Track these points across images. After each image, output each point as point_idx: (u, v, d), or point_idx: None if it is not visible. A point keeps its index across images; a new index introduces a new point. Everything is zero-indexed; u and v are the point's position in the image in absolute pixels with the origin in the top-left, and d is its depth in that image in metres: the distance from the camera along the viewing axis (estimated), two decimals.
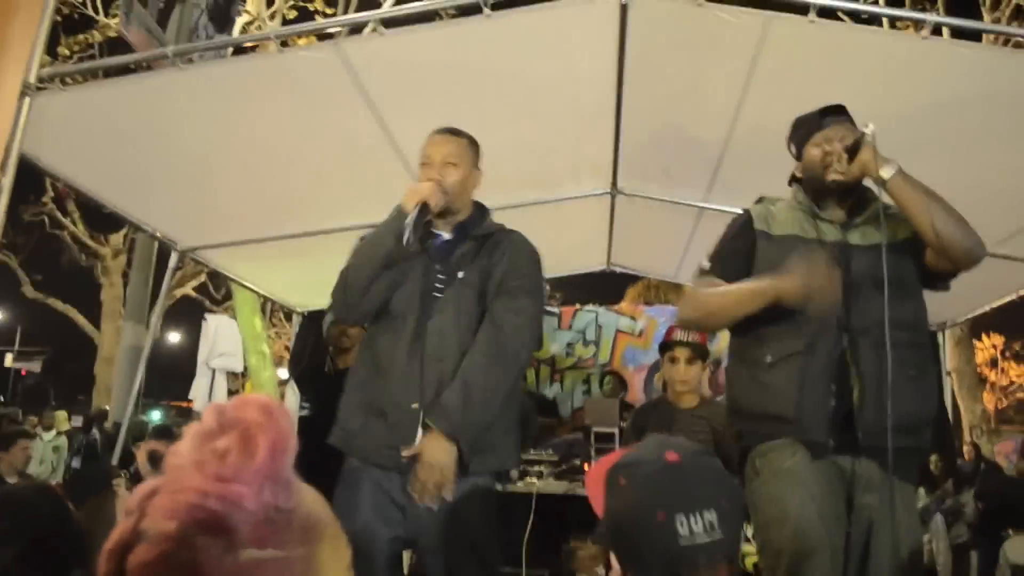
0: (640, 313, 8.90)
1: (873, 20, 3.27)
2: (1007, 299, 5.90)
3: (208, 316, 5.76)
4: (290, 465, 0.81)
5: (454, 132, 2.69)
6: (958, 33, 3.58)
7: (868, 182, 2.41)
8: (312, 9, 13.68)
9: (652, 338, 8.59)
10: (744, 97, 3.65)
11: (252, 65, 3.58)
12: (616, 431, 5.92)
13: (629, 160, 4.69)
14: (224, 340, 5.64)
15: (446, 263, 2.56)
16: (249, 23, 12.33)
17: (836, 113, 2.47)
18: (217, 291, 19.23)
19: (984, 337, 29.30)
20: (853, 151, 2.30)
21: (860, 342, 2.22)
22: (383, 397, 2.42)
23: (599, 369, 8.58)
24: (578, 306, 9.11)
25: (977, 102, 3.49)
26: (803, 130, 2.51)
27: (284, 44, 3.38)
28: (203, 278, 17.98)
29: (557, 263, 7.27)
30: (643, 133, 4.27)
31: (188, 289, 17.24)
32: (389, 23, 3.31)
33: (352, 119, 3.84)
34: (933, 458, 6.97)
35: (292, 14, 13.26)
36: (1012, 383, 30.29)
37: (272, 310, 15.96)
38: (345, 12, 13.32)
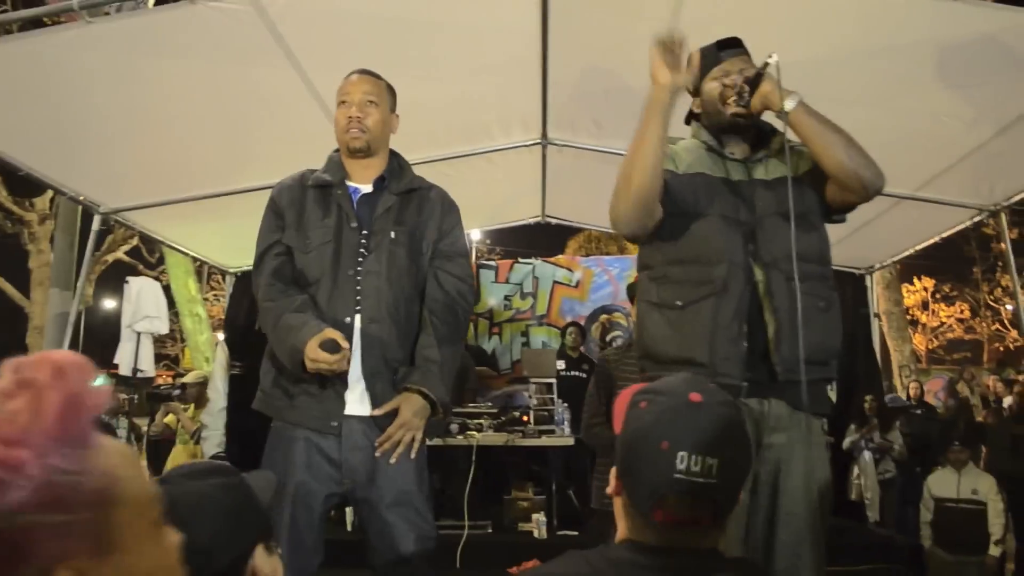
0: (576, 264, 8.93)
1: None
2: (931, 241, 6.07)
3: (130, 279, 5.62)
4: (87, 424, 0.78)
5: (373, 73, 2.64)
6: None
7: (769, 115, 2.38)
8: None
9: (588, 289, 8.66)
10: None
11: (163, 18, 3.44)
12: (554, 381, 5.99)
13: (558, 110, 4.67)
14: (147, 303, 5.51)
15: (369, 221, 2.50)
16: None
17: (734, 46, 2.44)
18: (151, 255, 18.78)
19: (916, 280, 30.12)
20: (754, 83, 2.26)
21: (772, 276, 2.20)
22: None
23: (537, 321, 8.62)
24: (515, 259, 9.12)
25: (901, 49, 3.55)
26: (702, 63, 2.43)
27: None
28: (135, 242, 17.54)
29: (491, 215, 7.27)
30: (571, 83, 4.25)
31: (120, 254, 16.77)
32: None
33: (273, 72, 3.74)
34: (868, 398, 7.16)
35: None
36: (942, 324, 31.21)
37: (210, 272, 15.68)
38: None
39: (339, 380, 2.35)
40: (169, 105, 4.00)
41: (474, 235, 20.70)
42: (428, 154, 4.68)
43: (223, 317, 7.28)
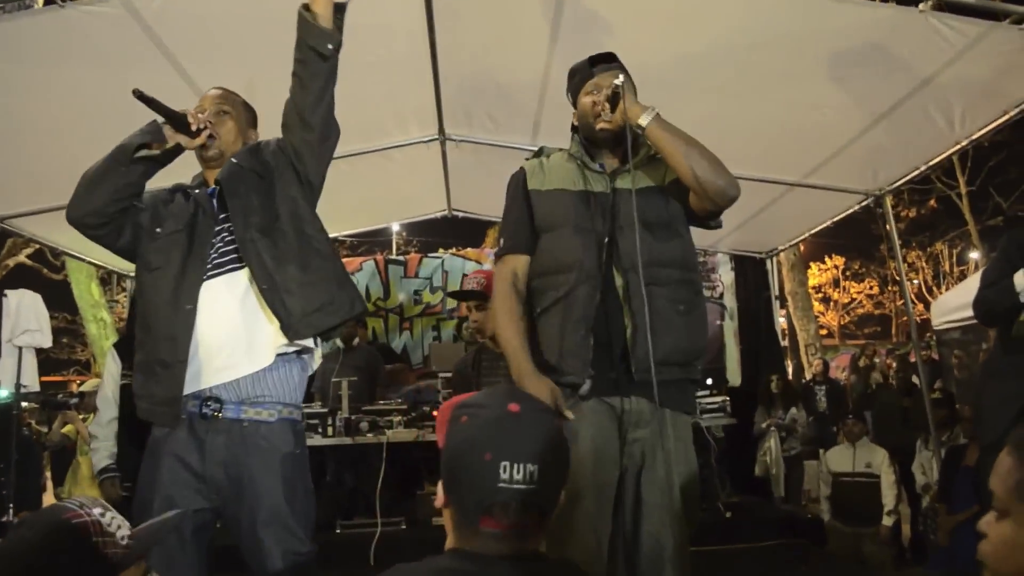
0: (486, 256, 8.94)
1: None
2: (824, 224, 6.29)
3: (8, 292, 5.39)
4: None
5: (229, 90, 2.64)
6: None
7: None
8: None
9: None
10: (554, 42, 3.69)
11: (33, 22, 3.33)
12: None
13: (452, 107, 4.68)
14: (27, 316, 5.29)
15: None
16: None
17: (606, 61, 2.52)
18: (56, 258, 18.18)
19: (827, 259, 31.05)
20: (614, 101, 2.35)
21: (630, 281, 2.29)
22: (156, 353, 2.31)
23: (448, 314, 8.63)
24: (424, 254, 9.11)
25: (778, 43, 3.66)
26: (576, 79, 2.55)
27: None
28: (38, 245, 16.92)
29: (398, 210, 7.26)
30: (462, 80, 4.27)
31: (22, 257, 16.18)
32: None
33: (155, 74, 3.64)
34: (774, 378, 7.39)
35: None
36: (853, 300, 32.23)
37: (119, 276, 15.20)
38: None
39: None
40: (52, 111, 3.91)
41: (393, 227, 20.71)
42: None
43: None
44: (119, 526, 1.45)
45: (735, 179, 2.31)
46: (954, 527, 4.71)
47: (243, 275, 2.34)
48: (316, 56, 2.30)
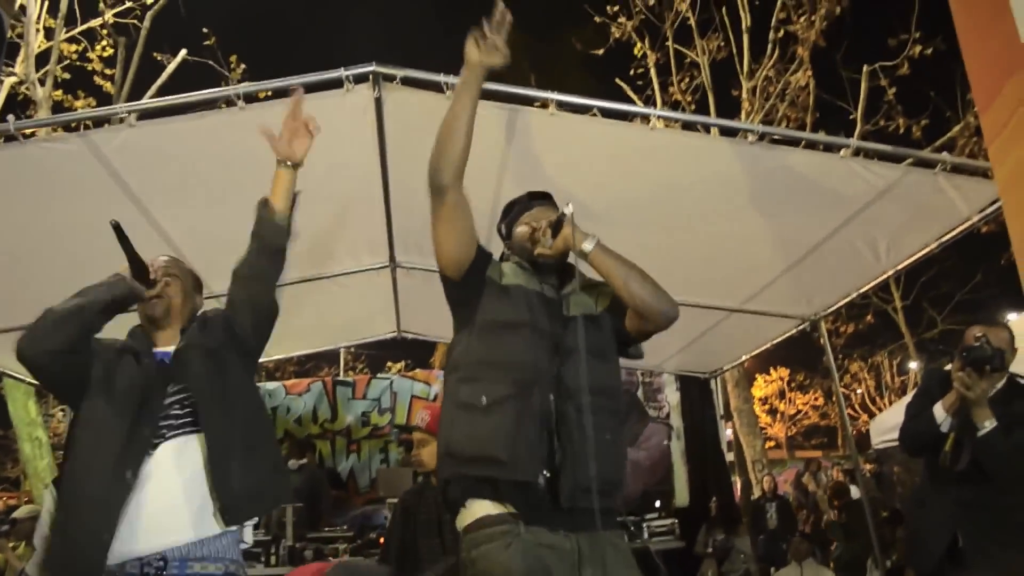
0: (434, 378, 8.97)
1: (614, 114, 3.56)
2: (765, 347, 6.49)
3: None
4: None
5: (175, 257, 2.71)
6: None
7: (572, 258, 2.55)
8: (90, 69, 12.94)
9: None
10: (501, 181, 3.86)
11: None
12: None
13: (403, 236, 4.81)
14: None
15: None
16: (19, 83, 11.63)
17: (542, 197, 2.67)
18: None
19: (772, 371, 31.50)
20: (556, 228, 2.44)
21: (565, 407, 2.30)
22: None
23: (396, 436, 8.56)
24: (374, 375, 9.10)
25: (711, 183, 3.89)
26: (514, 211, 2.67)
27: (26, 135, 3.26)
28: None
29: (347, 332, 7.29)
30: (413, 212, 4.39)
31: None
32: (142, 115, 3.28)
33: (112, 208, 3.69)
34: (713, 499, 7.43)
35: (66, 75, 12.52)
36: (799, 411, 32.55)
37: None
38: (124, 74, 12.83)
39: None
40: (5, 239, 3.93)
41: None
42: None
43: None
44: None
45: (675, 301, 2.41)
46: None
47: (193, 442, 2.33)
48: (274, 251, 2.46)
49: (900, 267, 4.58)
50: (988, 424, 3.11)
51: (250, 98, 3.32)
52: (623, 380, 2.62)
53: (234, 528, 2.37)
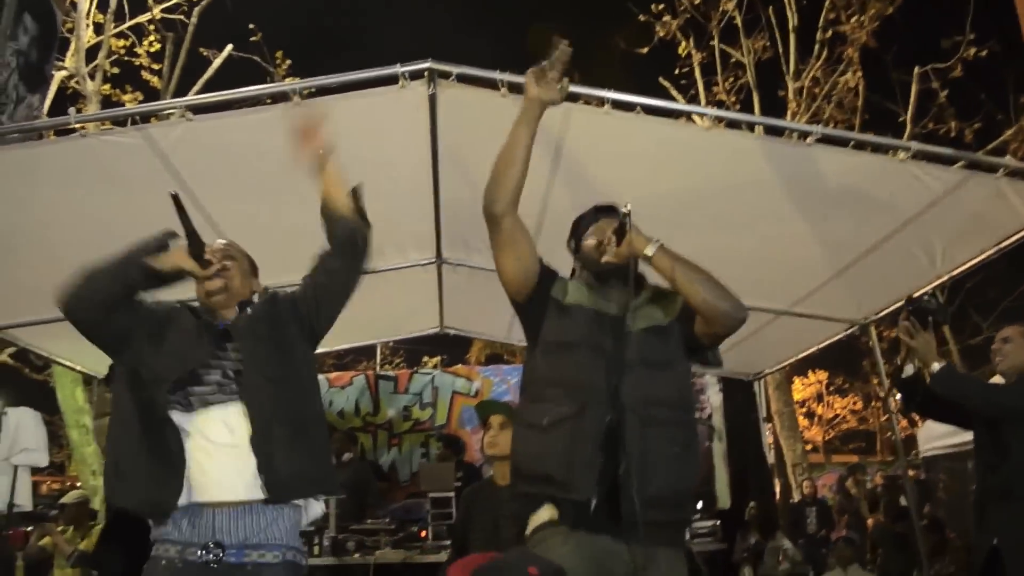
0: (476, 374, 9.02)
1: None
2: (812, 350, 6.41)
3: (8, 410, 5.37)
4: None
5: (232, 242, 2.72)
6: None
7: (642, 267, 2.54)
8: (137, 64, 13.14)
9: (488, 398, 8.71)
10: (552, 179, 3.85)
11: (53, 149, 3.48)
12: (452, 495, 5.96)
13: (451, 233, 4.82)
14: (26, 435, 5.26)
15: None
16: (68, 78, 11.84)
17: (608, 210, 2.65)
18: (38, 358, 18.00)
19: (810, 374, 31.10)
20: (621, 233, 2.44)
21: (628, 419, 2.31)
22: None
23: (437, 431, 8.61)
24: (415, 369, 9.17)
25: (763, 184, 3.84)
26: (581, 226, 2.68)
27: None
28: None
29: (391, 328, 7.33)
30: (462, 209, 4.39)
31: (4, 356, 16.03)
32: (196, 109, 3.32)
33: (167, 199, 3.76)
34: (751, 504, 7.37)
35: (114, 70, 12.72)
36: (837, 415, 32.11)
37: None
38: (172, 68, 13.01)
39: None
40: (59, 228, 4.00)
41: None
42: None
43: None
44: None
45: (742, 303, 2.40)
46: None
47: (240, 409, 2.33)
48: (343, 245, 2.51)
49: (955, 273, 4.47)
50: (937, 365, 3.35)
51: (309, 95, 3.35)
52: None
53: (292, 508, 2.38)
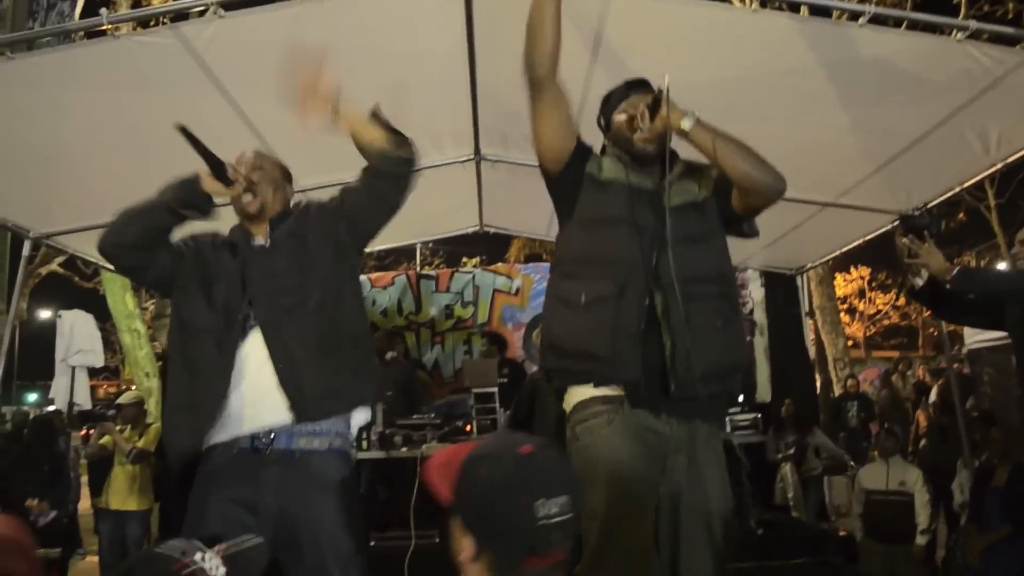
0: (516, 272, 9.04)
1: None
2: (854, 244, 6.30)
3: (63, 313, 5.53)
4: None
5: (260, 151, 2.71)
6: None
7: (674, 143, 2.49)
8: None
9: (528, 296, 8.77)
10: (592, 68, 3.75)
11: (86, 52, 3.45)
12: (495, 390, 6.07)
13: (489, 128, 4.75)
14: (81, 336, 5.43)
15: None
16: None
17: (640, 85, 2.55)
18: (86, 266, 18.40)
19: (852, 269, 30.74)
20: (654, 108, 2.36)
21: (669, 296, 2.29)
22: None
23: (479, 329, 8.70)
24: (455, 268, 9.22)
25: (811, 69, 3.69)
26: (611, 102, 2.59)
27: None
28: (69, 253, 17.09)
29: (430, 227, 7.34)
30: (499, 103, 4.33)
31: (54, 266, 16.40)
32: (228, 5, 3.25)
33: (202, 101, 3.75)
34: (787, 402, 7.37)
35: None
36: (879, 311, 31.84)
37: None
38: None
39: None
40: (98, 135, 4.00)
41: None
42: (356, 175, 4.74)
43: None
44: (218, 566, 1.50)
45: (781, 174, 2.36)
46: (984, 549, 4.68)
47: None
48: (379, 174, 2.48)
49: (1010, 160, 4.31)
50: (951, 270, 3.29)
51: None
52: None
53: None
